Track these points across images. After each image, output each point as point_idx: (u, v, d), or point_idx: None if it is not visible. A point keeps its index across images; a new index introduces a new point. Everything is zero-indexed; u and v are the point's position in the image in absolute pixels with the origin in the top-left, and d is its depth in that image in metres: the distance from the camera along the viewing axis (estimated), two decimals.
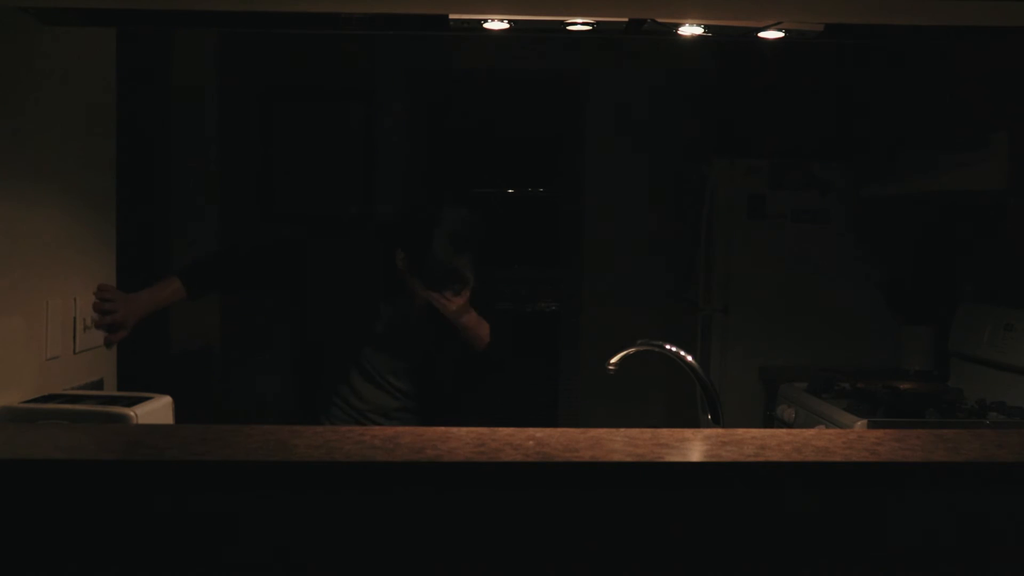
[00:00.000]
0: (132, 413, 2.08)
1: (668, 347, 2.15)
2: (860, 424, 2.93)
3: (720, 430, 1.91)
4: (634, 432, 1.76)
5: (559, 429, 1.84)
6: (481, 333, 2.66)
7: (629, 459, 1.59)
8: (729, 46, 4.06)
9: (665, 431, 1.78)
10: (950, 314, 3.66)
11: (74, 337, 2.37)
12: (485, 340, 2.67)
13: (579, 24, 2.15)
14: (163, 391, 2.29)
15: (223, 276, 2.82)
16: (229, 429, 1.75)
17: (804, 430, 1.97)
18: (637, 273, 4.98)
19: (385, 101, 5.07)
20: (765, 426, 3.70)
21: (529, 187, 5.37)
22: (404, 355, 2.69)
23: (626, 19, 2.17)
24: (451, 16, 2.10)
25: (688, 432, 1.81)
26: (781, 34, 2.21)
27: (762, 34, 2.22)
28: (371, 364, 2.68)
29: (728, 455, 1.63)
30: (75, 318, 2.37)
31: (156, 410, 2.16)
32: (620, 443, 1.68)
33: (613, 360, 2.17)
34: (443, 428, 1.78)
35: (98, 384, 2.48)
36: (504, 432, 1.77)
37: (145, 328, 3.44)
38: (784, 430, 2.00)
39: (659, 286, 4.96)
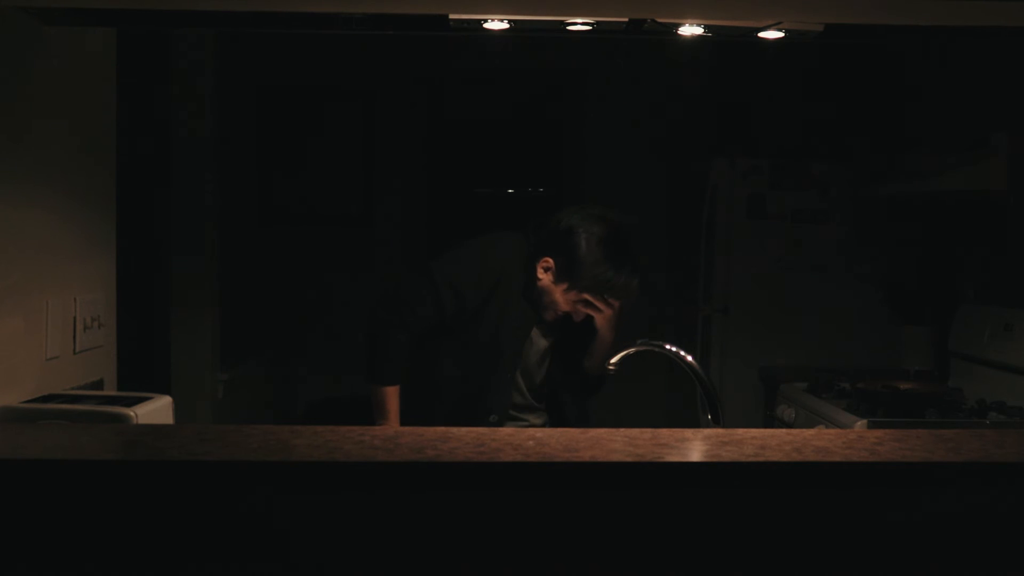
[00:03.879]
0: (132, 413, 2.08)
1: (668, 347, 2.15)
2: (860, 424, 2.93)
3: (720, 430, 1.91)
4: (634, 432, 1.76)
5: (559, 429, 1.84)
6: (609, 355, 2.40)
7: (629, 459, 1.59)
8: (729, 46, 4.07)
9: (665, 431, 1.78)
10: (950, 314, 3.66)
11: (74, 337, 2.37)
12: (604, 366, 2.43)
13: (579, 24, 2.15)
14: (163, 391, 2.29)
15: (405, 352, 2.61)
16: (229, 429, 1.75)
17: (804, 430, 1.97)
18: None
19: (385, 101, 5.07)
20: (765, 426, 3.70)
21: (529, 187, 5.37)
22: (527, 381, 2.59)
23: (626, 19, 2.17)
24: (451, 16, 2.10)
25: (688, 432, 1.81)
26: (781, 34, 2.21)
27: (762, 34, 2.22)
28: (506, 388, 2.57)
29: (728, 455, 1.63)
30: (75, 318, 2.37)
31: (156, 410, 2.16)
32: (620, 443, 1.68)
33: (613, 360, 2.17)
34: (443, 428, 1.78)
35: (98, 384, 2.48)
36: (504, 432, 1.77)
37: (145, 328, 3.45)
38: (784, 430, 2.00)
39: (659, 286, 4.96)
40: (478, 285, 2.51)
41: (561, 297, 2.50)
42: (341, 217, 5.09)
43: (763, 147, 4.42)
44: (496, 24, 2.14)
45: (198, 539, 1.56)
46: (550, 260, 2.49)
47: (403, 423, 2.47)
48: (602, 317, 2.51)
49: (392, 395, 2.50)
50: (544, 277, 2.50)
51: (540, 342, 2.59)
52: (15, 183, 2.13)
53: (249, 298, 4.81)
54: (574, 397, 2.63)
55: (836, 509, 1.61)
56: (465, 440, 1.68)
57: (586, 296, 2.48)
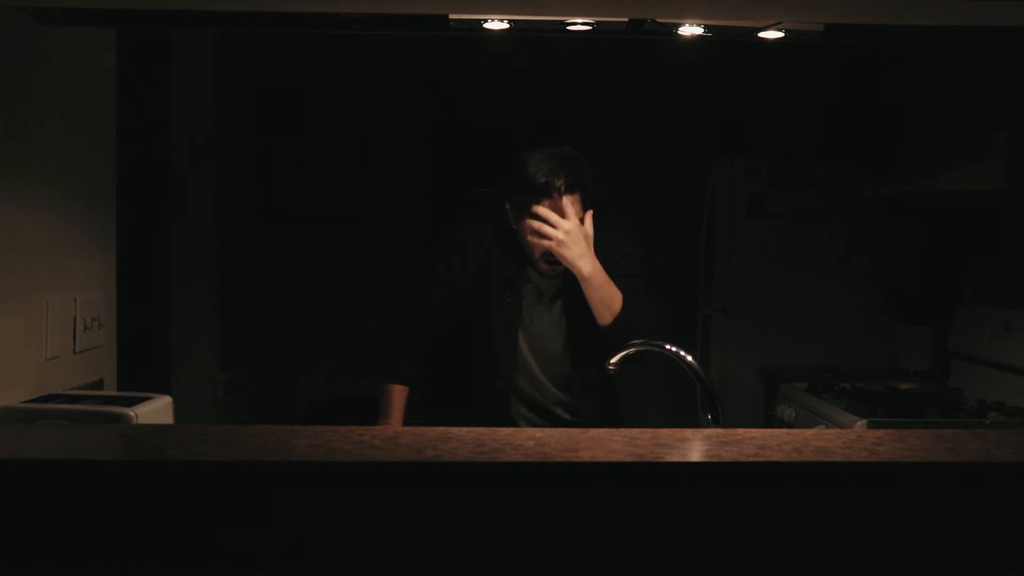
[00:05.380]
0: (132, 413, 2.08)
1: (668, 347, 2.14)
2: (860, 424, 2.93)
3: (720, 430, 1.91)
4: (634, 432, 1.76)
5: (559, 429, 1.84)
6: (608, 294, 2.41)
7: (629, 459, 1.59)
8: (729, 46, 4.07)
9: (665, 431, 1.78)
10: (950, 314, 3.66)
11: (74, 337, 2.37)
12: (614, 308, 2.42)
13: (579, 24, 2.15)
14: (163, 391, 2.29)
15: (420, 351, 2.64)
16: (229, 429, 1.74)
17: (804, 430, 1.97)
18: None
19: (385, 101, 5.07)
20: (765, 426, 3.69)
21: None
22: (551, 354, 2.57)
23: (626, 19, 2.17)
24: (451, 16, 2.10)
25: (688, 432, 1.81)
26: (781, 34, 2.21)
27: (762, 34, 2.22)
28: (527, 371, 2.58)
29: (728, 455, 1.63)
30: (75, 318, 2.37)
31: (156, 410, 2.16)
32: (620, 443, 1.68)
33: (613, 360, 2.17)
34: (443, 428, 1.78)
35: (98, 384, 2.48)
36: (504, 432, 1.77)
37: (145, 328, 3.44)
38: (784, 430, 2.00)
39: (659, 286, 4.96)
40: (465, 256, 2.57)
41: (523, 233, 2.46)
42: (341, 217, 5.09)
43: (763, 147, 4.42)
44: (496, 24, 2.13)
45: (198, 539, 1.56)
46: (507, 203, 2.51)
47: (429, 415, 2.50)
48: (541, 229, 2.40)
49: (399, 394, 2.51)
50: (513, 222, 2.50)
51: (543, 310, 2.57)
52: (15, 183, 2.13)
53: (249, 298, 4.81)
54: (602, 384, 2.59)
55: (836, 509, 1.61)
56: (465, 440, 1.68)
57: (526, 221, 2.42)
